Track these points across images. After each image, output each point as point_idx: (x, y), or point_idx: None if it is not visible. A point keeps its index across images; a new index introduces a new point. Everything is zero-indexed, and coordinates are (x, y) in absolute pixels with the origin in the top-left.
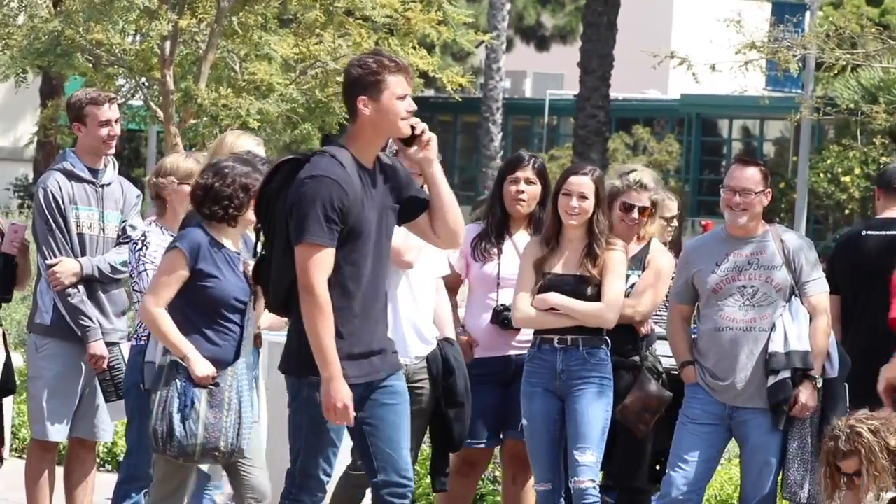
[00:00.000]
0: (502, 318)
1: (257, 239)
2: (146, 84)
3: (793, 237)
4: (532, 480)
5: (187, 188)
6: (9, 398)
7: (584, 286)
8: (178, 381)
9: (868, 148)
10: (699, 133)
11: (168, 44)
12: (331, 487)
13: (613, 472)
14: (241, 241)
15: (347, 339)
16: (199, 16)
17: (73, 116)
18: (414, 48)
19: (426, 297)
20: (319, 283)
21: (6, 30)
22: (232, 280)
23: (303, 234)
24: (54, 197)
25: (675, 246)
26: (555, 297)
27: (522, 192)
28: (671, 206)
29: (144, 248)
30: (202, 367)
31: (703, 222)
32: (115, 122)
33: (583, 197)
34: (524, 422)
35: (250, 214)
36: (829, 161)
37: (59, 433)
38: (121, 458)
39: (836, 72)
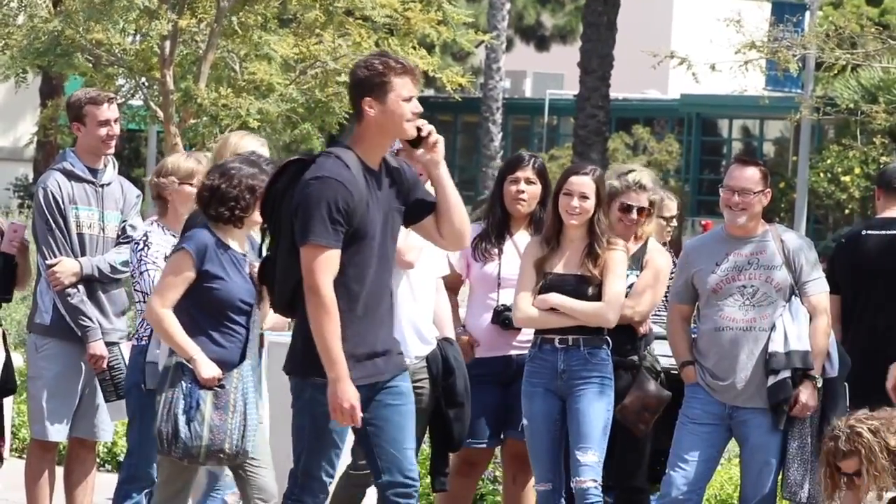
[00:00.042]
0: (503, 318)
1: (263, 239)
2: (146, 84)
3: (793, 237)
4: (532, 480)
5: (188, 188)
6: (9, 398)
7: (585, 286)
8: (183, 382)
9: (868, 148)
10: (699, 133)
11: (168, 44)
12: (331, 487)
13: (612, 472)
14: (247, 243)
15: (351, 341)
16: (199, 16)
17: (72, 116)
18: (414, 48)
19: (426, 297)
20: (325, 284)
21: (6, 30)
22: (238, 282)
23: (308, 236)
24: (54, 197)
25: (674, 246)
26: (555, 298)
27: (523, 192)
28: (670, 205)
29: (146, 248)
30: (208, 368)
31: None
32: (115, 121)
33: (584, 197)
34: (525, 421)
35: (256, 216)
36: (829, 161)
37: (58, 433)
38: (121, 458)
39: (835, 72)
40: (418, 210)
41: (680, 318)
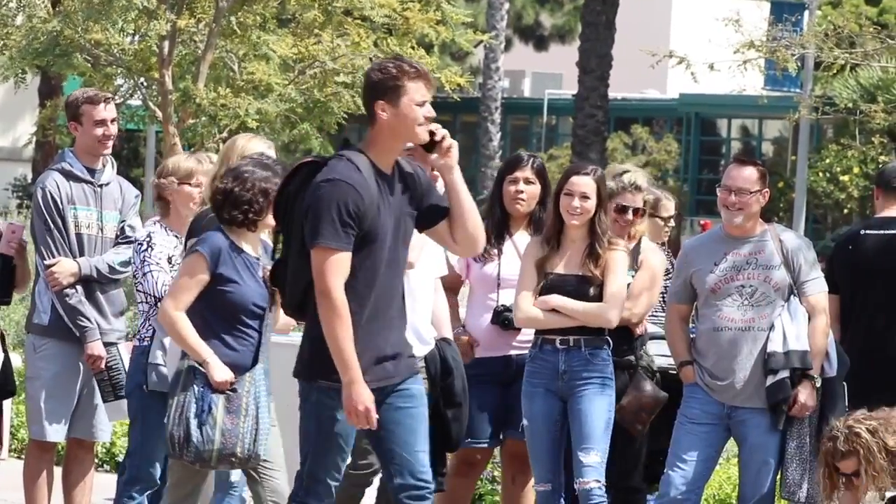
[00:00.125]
0: (503, 319)
1: (276, 242)
2: (145, 84)
3: (791, 237)
4: (531, 481)
5: (187, 188)
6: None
7: (587, 286)
8: (195, 386)
9: (867, 147)
10: (698, 132)
11: (167, 44)
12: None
13: (609, 472)
14: (260, 247)
15: (359, 344)
16: (198, 16)
17: (69, 115)
18: (412, 48)
19: (425, 298)
20: (336, 286)
21: (5, 30)
22: (251, 285)
23: (317, 238)
24: (52, 197)
25: (673, 246)
26: (556, 299)
27: (522, 192)
28: (668, 206)
29: (150, 249)
30: (221, 372)
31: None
32: (112, 122)
33: (584, 197)
34: (525, 422)
35: (270, 219)
36: (827, 160)
37: (57, 433)
38: (119, 459)
39: (834, 71)
40: (432, 215)
41: (678, 317)
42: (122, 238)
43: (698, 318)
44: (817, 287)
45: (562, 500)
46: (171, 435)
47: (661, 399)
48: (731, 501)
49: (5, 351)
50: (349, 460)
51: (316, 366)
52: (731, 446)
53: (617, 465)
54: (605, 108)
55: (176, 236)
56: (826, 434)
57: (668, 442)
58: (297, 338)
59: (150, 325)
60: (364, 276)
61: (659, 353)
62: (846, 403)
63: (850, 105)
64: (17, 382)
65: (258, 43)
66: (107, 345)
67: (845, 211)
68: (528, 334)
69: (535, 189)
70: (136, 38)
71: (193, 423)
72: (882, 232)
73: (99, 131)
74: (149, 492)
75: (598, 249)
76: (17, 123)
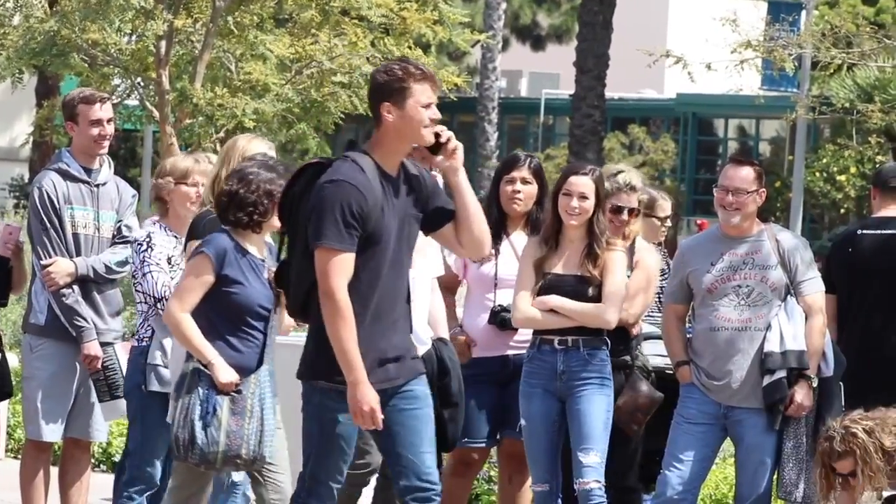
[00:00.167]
0: (500, 319)
1: (281, 243)
2: (142, 84)
3: (788, 236)
4: (528, 481)
5: (184, 188)
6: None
7: (585, 286)
8: (200, 388)
9: (864, 147)
10: (695, 132)
11: (164, 43)
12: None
13: (605, 472)
14: (265, 249)
15: (362, 346)
16: (195, 15)
17: (66, 115)
18: (409, 48)
19: (422, 298)
20: (339, 287)
21: (2, 30)
22: (257, 287)
23: (320, 239)
24: (49, 197)
25: (670, 245)
26: (555, 300)
27: (519, 192)
28: (665, 206)
29: (150, 249)
30: (226, 373)
31: (698, 221)
32: (108, 122)
33: (583, 197)
34: (522, 422)
35: (275, 220)
36: (824, 160)
37: (53, 433)
38: (116, 459)
39: (831, 71)
40: (438, 218)
41: (675, 317)
42: (118, 238)
43: (695, 318)
44: (814, 287)
45: (559, 501)
46: (175, 437)
47: (656, 399)
48: (728, 501)
49: (2, 351)
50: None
51: (317, 367)
52: (727, 446)
53: (613, 465)
54: (602, 107)
55: (175, 236)
56: (822, 434)
57: (664, 442)
58: (299, 338)
59: (148, 325)
60: (367, 277)
61: (655, 353)
62: (843, 403)
63: (847, 105)
64: (13, 383)
65: (255, 43)
66: (103, 344)
67: (842, 211)
68: (525, 334)
69: (532, 189)
70: (133, 38)
71: (198, 424)
72: (879, 232)
73: (95, 131)
74: (148, 493)
75: (596, 250)
76: (14, 123)
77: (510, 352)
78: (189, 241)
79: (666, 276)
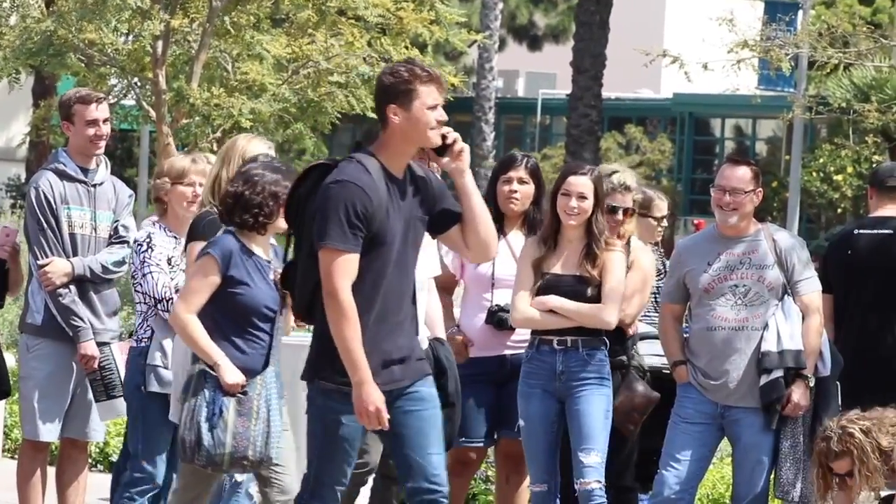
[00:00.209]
0: (497, 319)
1: (287, 244)
2: (138, 84)
3: (785, 236)
4: (525, 481)
5: (180, 188)
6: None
7: (584, 286)
8: (206, 390)
9: (860, 147)
10: (691, 132)
11: (160, 43)
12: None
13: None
14: (271, 250)
15: (366, 347)
16: (192, 15)
17: (62, 115)
18: (406, 48)
19: (419, 298)
20: (343, 288)
21: None
22: (263, 288)
23: (325, 239)
24: (46, 197)
25: (667, 245)
26: (554, 300)
27: (515, 191)
28: (661, 206)
29: (150, 250)
30: (232, 374)
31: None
32: (104, 122)
33: (582, 197)
34: (521, 422)
35: (280, 222)
36: (821, 160)
37: (50, 433)
38: (113, 458)
39: (828, 70)
40: (444, 220)
41: (672, 317)
42: (115, 238)
43: (692, 318)
44: (811, 286)
45: (557, 501)
46: (182, 439)
47: (652, 399)
48: (725, 501)
49: (0, 353)
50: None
51: (321, 367)
52: (724, 446)
53: (609, 464)
54: (598, 107)
55: (175, 237)
56: (820, 434)
57: (661, 441)
58: (301, 339)
59: (147, 325)
60: (371, 278)
61: (651, 353)
62: (839, 403)
63: (844, 104)
64: (11, 382)
65: (252, 43)
66: (100, 344)
67: (839, 210)
68: (522, 334)
69: (529, 189)
70: (130, 37)
71: (204, 426)
72: (875, 231)
73: (90, 131)
74: (151, 493)
75: (595, 250)
76: (11, 123)
77: (507, 352)
78: (189, 242)
79: (662, 276)
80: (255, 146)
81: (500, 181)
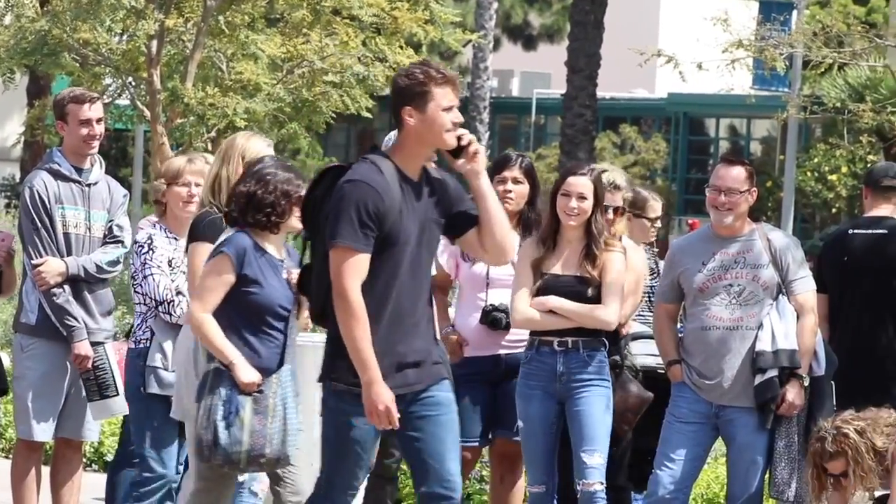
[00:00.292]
0: (491, 318)
1: (304, 248)
2: (133, 83)
3: (779, 235)
4: (520, 481)
5: (176, 188)
6: None
7: (585, 287)
8: (222, 388)
9: (855, 147)
10: (686, 132)
11: (155, 43)
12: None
13: None
14: (284, 250)
15: (379, 348)
16: (186, 15)
17: (56, 115)
18: (401, 47)
19: None
20: (352, 287)
21: None
22: (277, 286)
23: (336, 238)
24: (40, 196)
25: (661, 245)
26: (554, 301)
27: (510, 191)
28: (655, 206)
29: (150, 251)
30: (248, 373)
31: (689, 221)
32: (98, 121)
33: (582, 197)
34: (520, 423)
35: (293, 221)
36: (816, 160)
37: (44, 433)
38: (108, 458)
39: (822, 70)
40: (461, 223)
41: (666, 317)
42: (110, 238)
43: (686, 318)
44: (805, 286)
45: (554, 502)
46: (199, 438)
47: (646, 399)
48: (720, 501)
49: None
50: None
51: (333, 368)
52: (719, 445)
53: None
54: (593, 107)
55: (175, 238)
56: (814, 435)
57: (656, 441)
58: (309, 339)
59: (147, 326)
60: (385, 279)
61: (646, 353)
62: (834, 403)
63: (839, 104)
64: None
65: (246, 42)
66: (94, 344)
67: (833, 210)
68: (516, 334)
69: (524, 188)
70: (125, 37)
71: (221, 425)
72: (870, 231)
73: (84, 131)
74: (161, 492)
75: (595, 250)
76: (6, 123)
77: (502, 351)
78: (190, 243)
79: (655, 276)
80: (255, 144)
81: (495, 181)
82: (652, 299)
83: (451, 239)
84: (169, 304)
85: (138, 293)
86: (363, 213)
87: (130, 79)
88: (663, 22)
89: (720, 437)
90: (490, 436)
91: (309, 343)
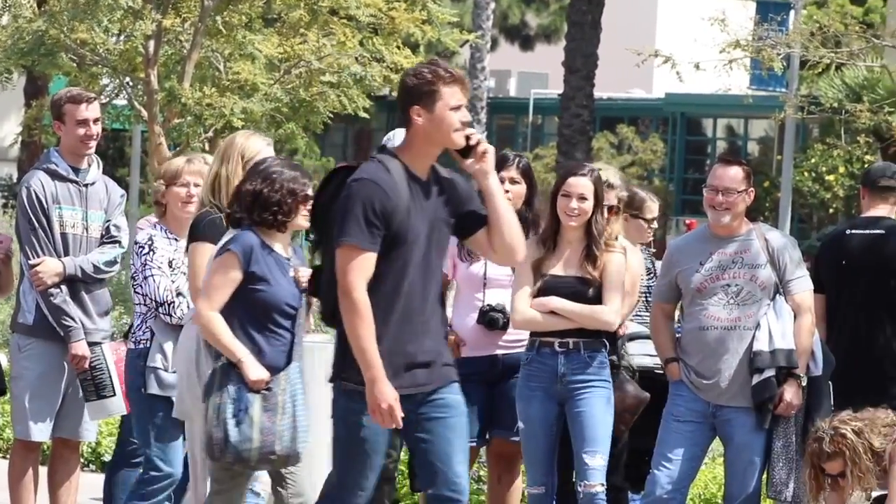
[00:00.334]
0: (488, 318)
1: (314, 251)
2: (130, 84)
3: (777, 235)
4: (517, 480)
5: (175, 189)
6: None
7: (586, 288)
8: (230, 386)
9: (852, 147)
10: (683, 132)
11: (152, 43)
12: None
13: None
14: (290, 249)
15: (387, 348)
16: (183, 15)
17: (53, 115)
18: (398, 47)
19: None
20: (357, 286)
21: None
22: (284, 284)
23: (342, 236)
24: (37, 196)
25: (658, 245)
26: (556, 302)
27: (507, 191)
28: (653, 207)
29: (151, 252)
30: (256, 371)
31: (687, 221)
32: (94, 122)
33: (582, 198)
34: (520, 425)
35: (300, 220)
36: (813, 160)
37: (41, 433)
38: (105, 458)
39: (820, 70)
40: (470, 223)
41: (663, 315)
42: (107, 238)
43: (684, 318)
44: (803, 285)
45: (553, 503)
46: (209, 436)
47: (643, 399)
48: (717, 501)
49: None
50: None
51: (343, 368)
52: (716, 445)
53: None
54: (590, 107)
55: (176, 239)
56: (812, 435)
57: (653, 441)
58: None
59: (147, 327)
60: (393, 278)
61: (642, 353)
62: (832, 403)
63: (836, 104)
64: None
65: (244, 42)
66: (91, 344)
67: (831, 210)
68: (514, 334)
69: (521, 189)
70: (122, 37)
71: (231, 422)
72: (867, 231)
73: (81, 131)
74: (167, 491)
75: (595, 251)
76: (3, 123)
77: (499, 351)
78: (191, 243)
79: (652, 276)
80: (254, 143)
81: None
82: (649, 299)
83: (461, 239)
84: (169, 305)
85: (139, 294)
86: (370, 211)
87: (128, 79)
88: (660, 22)
89: (718, 437)
90: (487, 436)
91: (307, 343)
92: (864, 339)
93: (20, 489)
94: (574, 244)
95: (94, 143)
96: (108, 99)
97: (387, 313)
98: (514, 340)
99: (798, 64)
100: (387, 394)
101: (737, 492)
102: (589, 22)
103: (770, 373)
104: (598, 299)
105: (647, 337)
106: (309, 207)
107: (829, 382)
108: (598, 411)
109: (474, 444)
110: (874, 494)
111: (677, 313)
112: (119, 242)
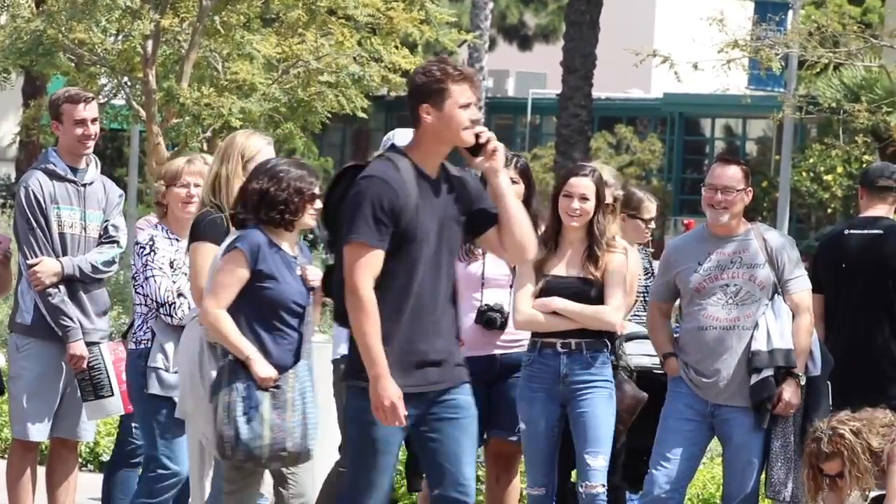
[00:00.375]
0: (486, 318)
1: (328, 251)
2: (128, 83)
3: (775, 235)
4: (515, 480)
5: (175, 189)
6: None
7: (588, 288)
8: (239, 384)
9: (850, 147)
10: (682, 132)
11: (150, 43)
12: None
13: None
14: (297, 248)
15: (397, 347)
16: (182, 15)
17: (52, 115)
18: (396, 47)
19: None
20: (363, 283)
21: None
22: (291, 283)
23: (350, 233)
24: (35, 196)
25: (657, 245)
26: (558, 302)
27: None
28: (651, 207)
29: (153, 253)
30: (264, 368)
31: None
32: (92, 121)
33: (584, 198)
34: (522, 426)
35: (306, 219)
36: (811, 160)
37: (39, 433)
38: (104, 458)
39: (818, 70)
40: (481, 221)
41: (660, 314)
42: (105, 238)
43: (682, 318)
44: (801, 285)
45: (553, 502)
46: (220, 434)
47: (641, 399)
48: (716, 501)
49: None
50: (340, 457)
51: (355, 367)
52: (715, 445)
53: None
54: (589, 107)
55: (177, 239)
56: (810, 435)
57: (651, 441)
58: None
59: (147, 327)
60: (402, 276)
61: (641, 353)
62: (830, 402)
63: (834, 104)
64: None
65: (242, 42)
66: (89, 344)
67: (829, 210)
68: (512, 334)
69: (519, 189)
70: (120, 37)
71: (241, 420)
72: (866, 231)
73: (79, 131)
74: (175, 489)
75: (597, 251)
76: (1, 123)
77: (497, 351)
78: (192, 243)
79: (649, 275)
80: (255, 142)
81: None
82: (647, 299)
83: (472, 238)
84: (170, 305)
85: (139, 294)
86: (378, 208)
87: (126, 79)
88: (659, 22)
89: (716, 437)
90: (486, 436)
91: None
92: (863, 339)
93: (18, 489)
94: (576, 244)
95: (92, 143)
96: (106, 99)
97: (397, 311)
98: (512, 340)
99: (796, 64)
100: (390, 391)
101: (735, 492)
102: (587, 22)
103: (768, 372)
104: (600, 299)
105: (644, 337)
106: (316, 206)
107: (828, 382)
108: (601, 412)
109: None
110: (872, 495)
111: (674, 314)
112: (117, 242)
